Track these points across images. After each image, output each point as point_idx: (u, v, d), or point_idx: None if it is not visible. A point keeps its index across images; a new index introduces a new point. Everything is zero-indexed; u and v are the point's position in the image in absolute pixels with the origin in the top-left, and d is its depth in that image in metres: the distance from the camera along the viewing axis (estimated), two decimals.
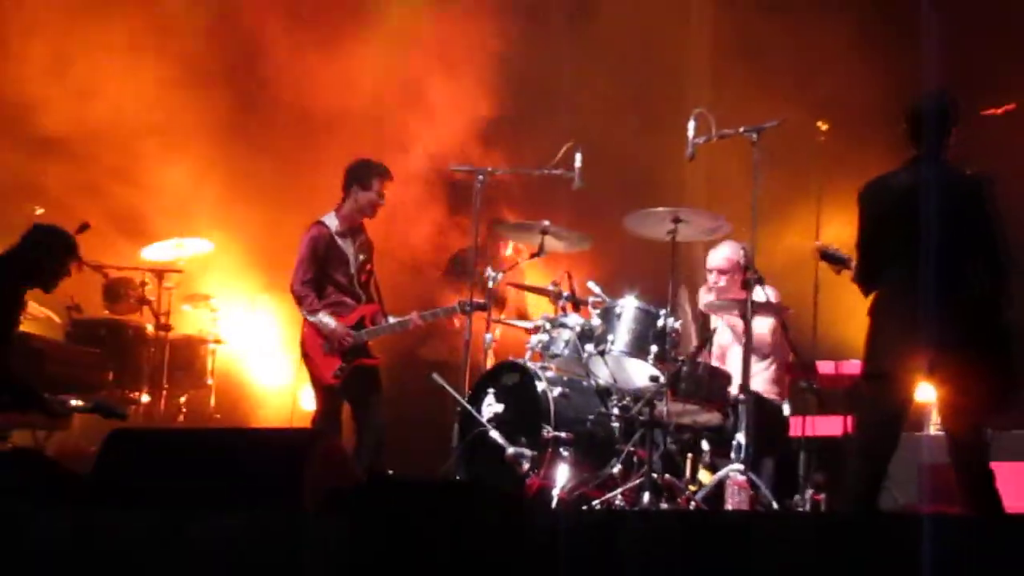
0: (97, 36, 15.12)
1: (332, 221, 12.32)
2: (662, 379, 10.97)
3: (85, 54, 15.10)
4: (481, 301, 11.96)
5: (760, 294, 11.16)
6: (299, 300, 12.21)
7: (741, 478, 10.56)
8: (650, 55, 15.13)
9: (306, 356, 12.23)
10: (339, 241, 12.30)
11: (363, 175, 12.31)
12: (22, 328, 12.63)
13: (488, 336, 11.98)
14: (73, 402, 11.64)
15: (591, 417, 11.25)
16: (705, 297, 11.99)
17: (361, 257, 12.40)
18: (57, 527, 8.04)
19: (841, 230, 9.54)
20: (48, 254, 10.90)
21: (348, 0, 15.72)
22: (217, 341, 14.40)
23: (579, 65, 15.24)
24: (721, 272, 11.94)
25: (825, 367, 11.47)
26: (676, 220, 11.19)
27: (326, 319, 12.05)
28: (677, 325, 11.30)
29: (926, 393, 8.95)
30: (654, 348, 11.16)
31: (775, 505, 10.56)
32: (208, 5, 15.69)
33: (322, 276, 12.23)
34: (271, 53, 15.75)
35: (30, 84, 14.96)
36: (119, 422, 12.45)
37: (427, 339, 14.29)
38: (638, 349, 11.20)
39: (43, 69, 15.04)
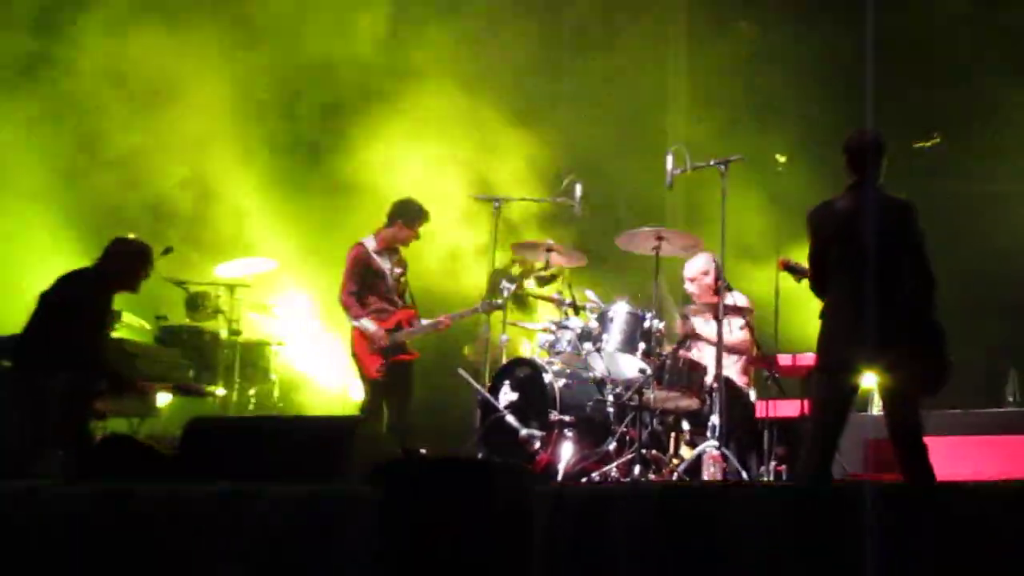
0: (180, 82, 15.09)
1: (371, 242, 12.38)
2: (649, 371, 10.94)
3: (169, 100, 15.06)
4: (498, 302, 11.97)
5: (731, 299, 11.13)
6: (345, 309, 12.30)
7: (716, 453, 10.52)
8: (634, 100, 15.07)
9: (354, 355, 12.29)
10: (377, 258, 12.35)
11: (410, 215, 12.42)
12: (120, 334, 12.66)
13: (503, 337, 11.95)
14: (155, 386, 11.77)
15: (590, 403, 11.20)
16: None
17: (397, 271, 12.45)
18: (149, 498, 8.04)
19: (798, 243, 9.48)
20: (130, 261, 10.91)
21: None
22: (279, 343, 14.38)
23: (578, 108, 15.19)
24: (692, 280, 11.94)
25: (784, 359, 11.39)
26: (659, 238, 11.19)
27: (368, 324, 12.09)
28: (660, 326, 11.29)
29: (869, 380, 8.88)
30: (642, 345, 11.14)
31: (744, 475, 10.51)
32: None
33: (364, 288, 12.29)
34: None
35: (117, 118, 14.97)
36: (199, 404, 12.55)
37: (470, 342, 14.19)
38: (628, 346, 11.18)
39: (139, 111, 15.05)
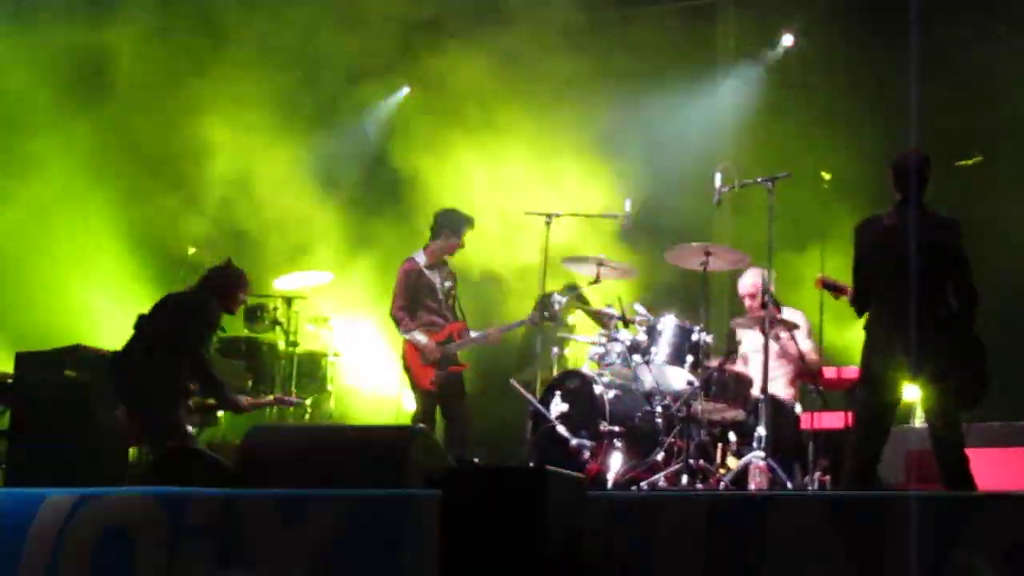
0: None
1: (421, 257, 12.48)
2: (696, 383, 11.00)
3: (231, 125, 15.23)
4: (548, 314, 12.03)
5: (787, 314, 11.22)
6: (397, 322, 12.39)
7: (761, 463, 10.58)
8: (681, 119, 15.13)
9: (407, 367, 12.35)
10: (427, 273, 12.42)
11: (455, 224, 12.47)
12: None
13: (555, 349, 12.05)
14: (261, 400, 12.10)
15: (639, 414, 11.26)
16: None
17: (447, 284, 12.54)
18: (209, 505, 8.12)
19: (842, 261, 9.53)
20: (229, 284, 11.06)
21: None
22: (335, 355, 14.48)
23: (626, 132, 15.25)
24: (751, 296, 12.00)
25: (829, 372, 11.45)
26: (707, 253, 11.25)
27: (420, 336, 12.19)
28: (709, 339, 11.35)
29: (912, 393, 8.94)
30: (689, 358, 11.20)
31: (789, 485, 10.57)
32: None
33: (415, 302, 12.37)
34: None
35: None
36: (257, 413, 12.67)
37: (523, 365, 14.27)
38: (676, 359, 11.24)
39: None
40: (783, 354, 11.70)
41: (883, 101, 13.15)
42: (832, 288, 9.79)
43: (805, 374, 11.50)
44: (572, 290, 12.28)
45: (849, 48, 14.24)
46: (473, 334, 12.53)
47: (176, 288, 12.76)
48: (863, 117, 13.62)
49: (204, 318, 10.81)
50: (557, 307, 11.99)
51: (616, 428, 11.06)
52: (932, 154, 9.02)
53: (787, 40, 15.42)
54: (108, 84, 15.15)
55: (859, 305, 8.93)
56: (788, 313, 11.54)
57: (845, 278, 9.27)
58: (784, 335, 11.48)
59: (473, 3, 15.42)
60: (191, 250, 14.35)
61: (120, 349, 10.94)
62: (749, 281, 12.02)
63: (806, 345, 11.58)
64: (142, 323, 10.93)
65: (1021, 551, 6.62)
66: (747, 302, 12.10)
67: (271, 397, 12.22)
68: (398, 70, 16.28)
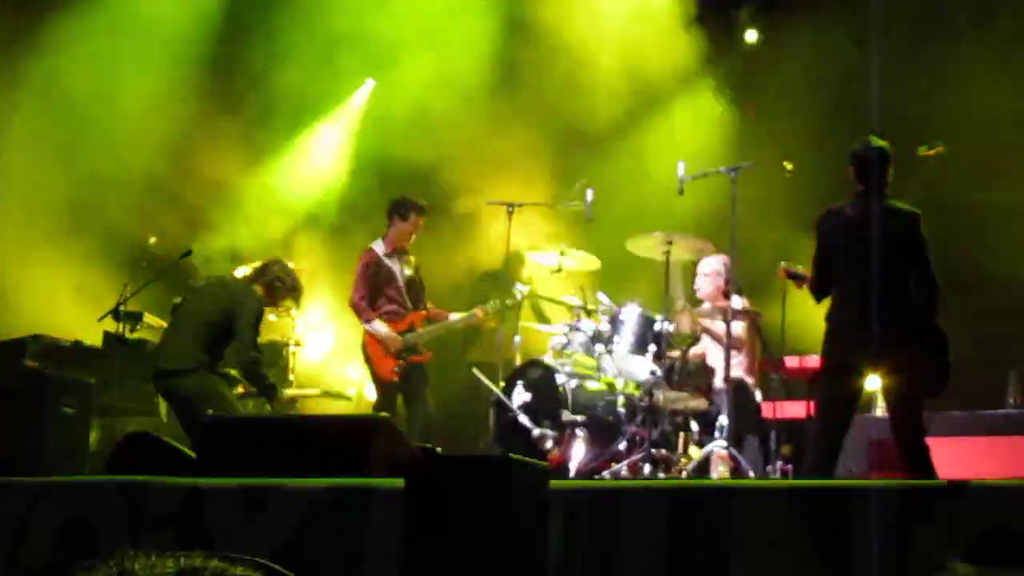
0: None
1: (380, 247, 12.45)
2: (659, 373, 11.02)
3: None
4: (509, 304, 12.05)
5: (737, 302, 11.21)
6: (357, 312, 12.36)
7: (724, 452, 10.62)
8: (648, 108, 15.13)
9: (367, 357, 12.32)
10: (387, 262, 12.40)
11: (402, 208, 12.46)
12: (140, 335, 12.76)
13: (517, 338, 12.05)
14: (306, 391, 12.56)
15: (601, 404, 11.28)
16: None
17: (408, 272, 12.50)
18: (170, 494, 8.10)
19: (803, 250, 9.56)
20: (284, 278, 11.31)
21: None
22: (297, 344, 14.44)
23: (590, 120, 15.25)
24: (705, 275, 11.98)
25: (791, 361, 11.48)
26: (669, 242, 11.27)
27: (380, 327, 12.16)
28: (671, 328, 11.36)
29: (874, 382, 8.97)
30: (652, 347, 11.22)
31: (751, 474, 10.60)
32: None
33: (375, 292, 12.34)
34: None
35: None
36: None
37: (472, 341, 14.30)
38: (639, 348, 11.26)
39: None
40: (739, 343, 11.71)
41: (847, 91, 13.17)
42: (795, 277, 9.81)
43: (766, 363, 11.52)
44: (498, 307, 12.23)
45: (813, 38, 14.25)
46: (436, 323, 12.49)
47: (137, 280, 12.76)
48: (827, 107, 13.64)
49: (248, 307, 10.92)
50: (519, 296, 12.00)
51: (578, 418, 11.07)
52: (894, 143, 9.05)
53: (751, 35, 15.45)
54: (57, 71, 15.03)
55: (818, 293, 8.96)
56: (744, 302, 11.57)
57: (806, 267, 9.29)
58: (743, 324, 11.51)
59: None
60: (151, 240, 14.29)
61: (164, 331, 11.32)
62: (711, 264, 12.00)
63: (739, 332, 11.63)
64: (180, 309, 11.21)
65: (983, 540, 6.65)
66: (699, 281, 12.03)
67: (317, 390, 12.22)
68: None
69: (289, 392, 12.11)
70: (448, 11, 15.03)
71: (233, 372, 11.24)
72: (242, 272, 11.61)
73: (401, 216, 12.45)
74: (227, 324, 10.88)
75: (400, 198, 12.63)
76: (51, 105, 14.79)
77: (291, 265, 11.78)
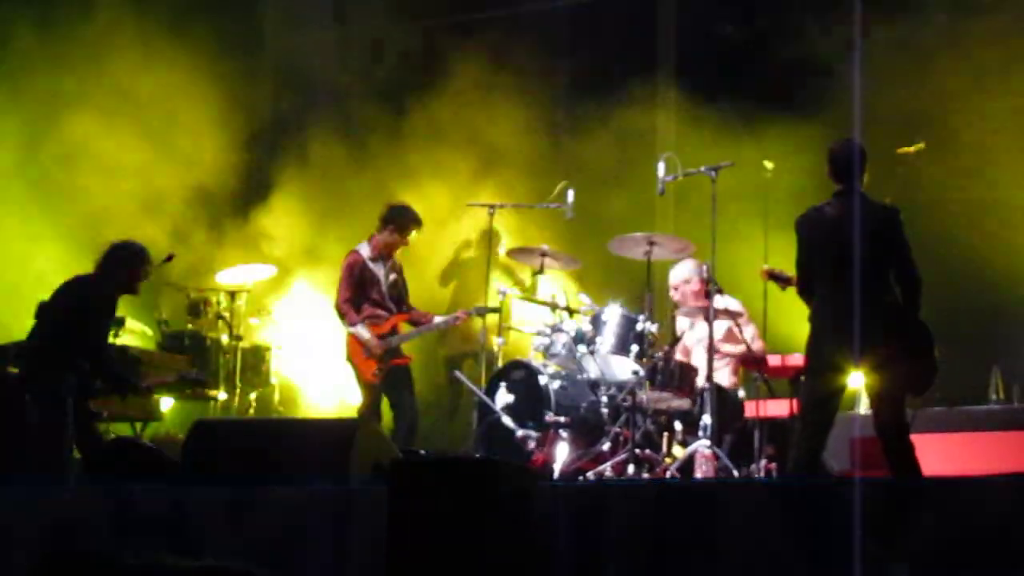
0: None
1: (365, 249, 12.36)
2: (642, 373, 11.02)
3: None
4: (495, 306, 12.03)
5: (720, 302, 11.20)
6: (341, 315, 12.29)
7: (707, 452, 10.61)
8: (624, 109, 15.13)
9: (350, 360, 12.28)
10: (371, 265, 12.32)
11: (402, 221, 12.34)
12: (124, 340, 12.71)
13: (499, 340, 12.03)
14: (160, 379, 11.79)
15: (584, 405, 11.27)
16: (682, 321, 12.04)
17: (392, 276, 12.44)
18: (155, 499, 8.10)
19: (785, 249, 9.56)
20: (128, 264, 10.90)
21: None
22: (279, 347, 14.43)
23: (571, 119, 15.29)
24: (675, 288, 11.96)
25: (774, 360, 11.48)
26: (651, 243, 11.28)
27: (363, 331, 12.10)
28: (653, 328, 11.35)
29: (857, 380, 8.97)
30: (635, 348, 11.19)
31: (735, 473, 10.60)
32: None
33: (359, 295, 12.26)
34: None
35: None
36: (202, 408, 12.57)
37: (446, 339, 14.31)
38: (621, 348, 11.23)
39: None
40: (725, 342, 11.70)
41: (826, 89, 13.18)
42: (777, 279, 9.80)
43: (749, 362, 11.52)
44: (481, 310, 12.22)
45: (793, 37, 14.27)
46: (420, 326, 12.47)
47: None
48: (806, 106, 13.64)
49: (102, 301, 10.70)
50: (501, 297, 11.99)
51: (562, 419, 11.06)
52: (875, 142, 9.07)
53: (726, 30, 15.47)
54: (30, 76, 15.00)
55: (806, 297, 8.96)
56: (726, 301, 11.56)
57: (788, 267, 9.29)
58: (727, 324, 11.50)
59: None
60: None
61: (24, 338, 10.96)
62: (680, 274, 11.96)
63: (749, 332, 11.59)
64: (45, 310, 10.88)
65: (967, 536, 6.66)
66: (673, 294, 12.04)
67: (173, 375, 11.95)
68: None
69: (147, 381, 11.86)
70: None
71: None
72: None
73: (399, 228, 12.34)
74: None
75: (403, 208, 12.53)
76: (29, 109, 14.78)
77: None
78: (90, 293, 10.74)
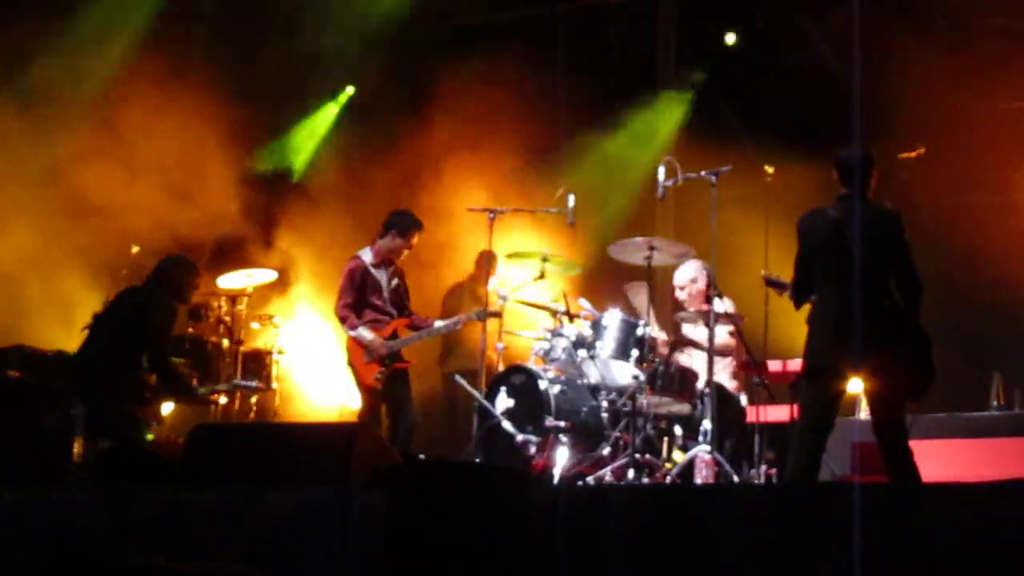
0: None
1: (367, 255, 12.35)
2: (642, 377, 11.00)
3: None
4: (494, 310, 12.02)
5: (720, 306, 11.19)
6: (341, 320, 12.27)
7: (707, 457, 10.61)
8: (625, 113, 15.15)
9: (350, 364, 12.26)
10: (373, 271, 12.30)
11: (404, 226, 12.34)
12: None
13: (500, 344, 12.02)
14: (219, 387, 12.39)
15: (584, 409, 11.26)
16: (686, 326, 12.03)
17: (394, 282, 12.43)
18: (154, 503, 8.08)
19: (785, 253, 9.55)
20: (184, 275, 11.08)
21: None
22: (280, 352, 14.40)
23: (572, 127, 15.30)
24: (681, 288, 11.98)
25: (774, 365, 11.47)
26: (651, 248, 11.26)
27: (366, 333, 12.08)
28: (654, 333, 11.34)
29: (856, 385, 8.95)
30: (635, 352, 11.19)
31: (735, 478, 10.59)
32: None
33: (360, 300, 12.25)
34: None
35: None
36: (202, 412, 12.58)
37: (453, 350, 14.27)
38: (622, 353, 11.23)
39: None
40: (724, 347, 11.70)
41: (825, 93, 13.18)
42: (775, 285, 9.80)
43: (749, 367, 11.51)
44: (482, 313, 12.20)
45: (794, 44, 14.28)
46: (419, 330, 12.45)
47: (119, 287, 12.71)
48: (806, 110, 13.65)
49: (161, 312, 10.82)
50: (501, 302, 11.98)
51: (562, 423, 11.04)
52: (876, 146, 9.06)
53: (730, 38, 15.47)
54: (35, 78, 15.01)
55: (798, 297, 8.95)
56: (726, 305, 11.56)
57: (789, 272, 9.27)
58: (725, 327, 11.50)
59: None
60: (134, 248, 14.23)
61: (79, 348, 11.07)
62: (687, 274, 11.99)
63: (727, 338, 11.61)
64: (99, 321, 10.95)
65: (965, 541, 6.64)
66: (679, 294, 12.05)
67: (229, 384, 12.10)
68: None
69: (203, 389, 12.00)
70: None
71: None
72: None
73: (400, 233, 12.33)
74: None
75: (404, 214, 12.52)
76: (31, 111, 14.78)
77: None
78: (147, 303, 10.94)
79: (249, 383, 12.44)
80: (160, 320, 10.95)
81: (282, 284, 15.18)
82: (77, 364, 11.13)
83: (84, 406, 10.57)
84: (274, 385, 14.18)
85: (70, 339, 12.60)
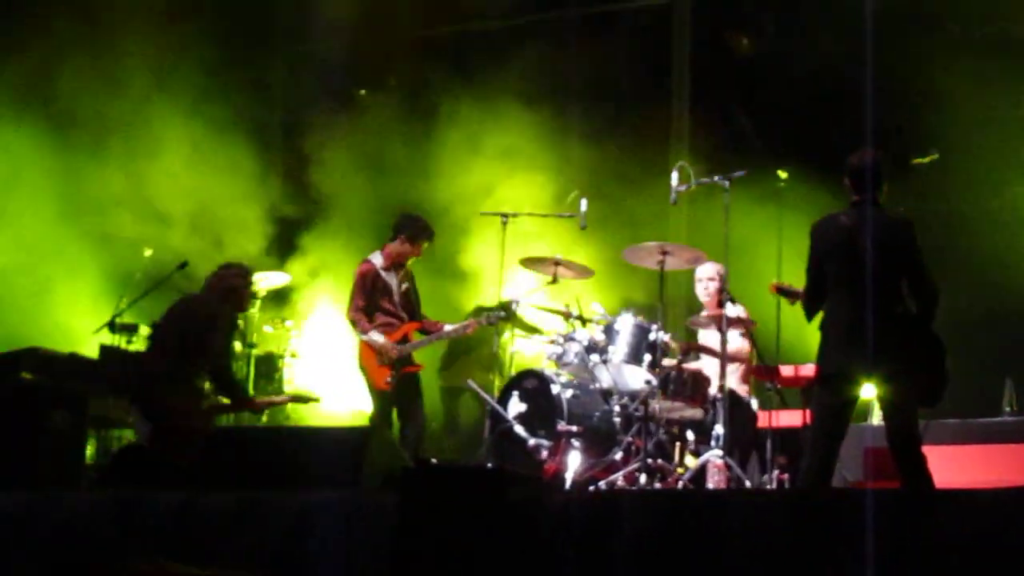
0: None
1: (378, 259, 12.35)
2: (654, 382, 10.99)
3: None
4: (503, 313, 12.01)
5: (732, 311, 11.17)
6: (353, 324, 12.27)
7: (719, 462, 10.59)
8: (640, 120, 15.12)
9: (362, 368, 12.25)
10: (384, 275, 12.30)
11: (414, 231, 12.33)
12: (136, 347, 12.73)
13: (512, 349, 12.02)
14: (275, 398, 12.23)
15: (597, 414, 11.25)
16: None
17: (404, 286, 12.42)
18: (167, 504, 8.08)
19: (798, 258, 9.52)
20: (241, 282, 11.06)
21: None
22: (293, 355, 14.41)
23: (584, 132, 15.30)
24: (711, 280, 11.92)
25: (786, 370, 11.44)
26: (664, 252, 11.24)
27: (377, 337, 12.07)
28: (666, 338, 11.33)
29: (869, 391, 8.93)
30: (647, 357, 11.17)
31: (747, 483, 10.56)
32: None
33: (371, 304, 12.25)
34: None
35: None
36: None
37: (468, 354, 14.27)
38: (634, 358, 11.22)
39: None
40: (736, 353, 11.67)
41: (839, 99, 13.15)
42: (786, 294, 9.78)
43: (761, 372, 11.49)
44: (500, 313, 12.18)
45: (809, 48, 14.25)
46: (429, 334, 12.44)
47: (133, 292, 12.76)
48: (819, 115, 13.62)
49: (220, 322, 10.79)
50: (514, 307, 11.98)
51: (574, 428, 11.03)
52: (888, 152, 9.03)
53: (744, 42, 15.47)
54: (52, 86, 15.05)
55: (809, 306, 8.92)
56: (738, 310, 11.54)
57: (801, 278, 9.24)
58: (737, 331, 11.48)
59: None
60: (147, 252, 14.25)
61: (139, 357, 11.33)
62: (707, 270, 11.97)
63: (739, 343, 11.59)
64: (158, 330, 11.03)
65: (978, 548, 6.62)
66: (698, 287, 12.00)
67: (285, 395, 12.07)
68: None
69: (261, 399, 12.01)
70: None
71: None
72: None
73: (409, 238, 12.33)
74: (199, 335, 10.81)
75: (415, 219, 12.52)
76: (50, 115, 14.84)
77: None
78: (203, 311, 10.89)
79: (310, 396, 12.35)
80: (218, 329, 10.86)
81: (295, 288, 15.19)
82: (135, 373, 11.11)
83: (144, 418, 10.54)
84: (286, 389, 14.19)
85: (83, 341, 12.66)
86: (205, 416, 10.81)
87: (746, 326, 11.30)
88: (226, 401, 11.12)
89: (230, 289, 11.02)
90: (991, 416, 11.62)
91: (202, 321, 10.73)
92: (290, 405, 14.27)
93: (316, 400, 12.37)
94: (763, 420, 11.17)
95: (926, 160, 11.01)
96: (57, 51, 14.93)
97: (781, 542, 6.92)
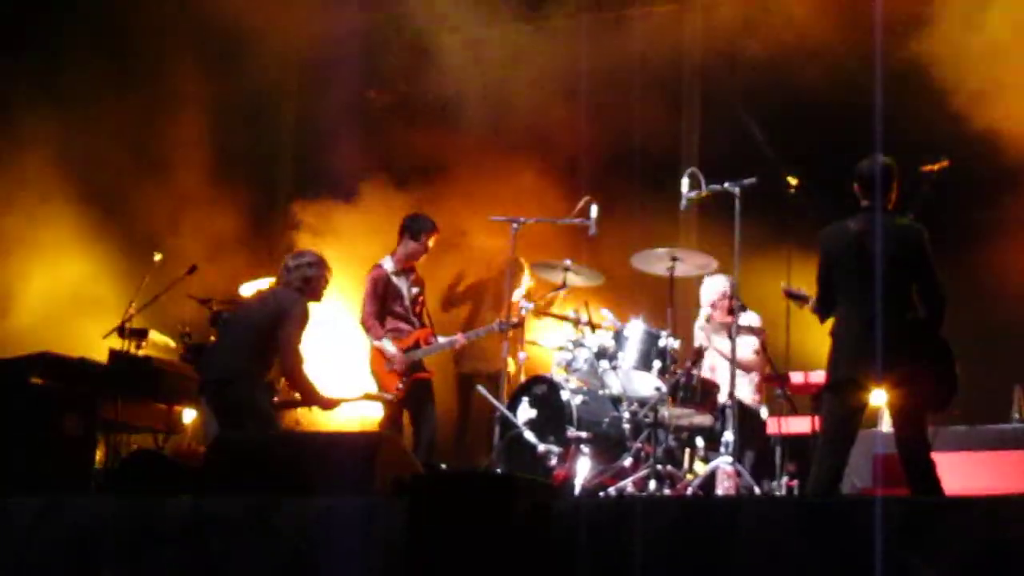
0: None
1: (389, 263, 12.41)
2: (664, 389, 11.01)
3: None
4: (516, 320, 12.03)
5: (744, 319, 11.20)
6: (366, 330, 12.32)
7: (729, 468, 10.60)
8: (649, 126, 15.12)
9: (373, 373, 12.30)
10: (395, 279, 12.35)
11: (416, 227, 12.41)
12: (145, 352, 12.74)
13: (522, 355, 12.05)
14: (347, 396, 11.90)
15: (606, 420, 11.27)
16: (699, 334, 12.03)
17: (415, 291, 12.47)
18: (176, 511, 8.10)
19: (808, 265, 9.55)
20: (315, 272, 10.95)
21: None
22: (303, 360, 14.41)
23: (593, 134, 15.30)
24: (712, 305, 11.98)
25: (796, 377, 11.46)
26: (673, 258, 11.28)
27: (388, 346, 12.13)
28: (676, 344, 11.34)
29: (879, 397, 8.95)
30: (657, 363, 11.19)
31: (757, 490, 10.58)
32: None
33: (383, 309, 12.30)
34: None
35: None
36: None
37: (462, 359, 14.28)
38: (644, 364, 11.23)
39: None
40: (749, 364, 11.70)
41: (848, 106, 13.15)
42: (796, 298, 9.80)
43: (772, 379, 11.52)
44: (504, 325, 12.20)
45: (815, 55, 14.25)
46: (440, 340, 12.46)
47: (142, 297, 12.80)
48: (828, 122, 13.62)
49: (293, 315, 10.69)
50: (524, 312, 12.01)
51: (583, 434, 11.05)
52: (898, 159, 9.06)
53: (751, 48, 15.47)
54: (64, 90, 15.10)
55: (822, 308, 8.96)
56: (749, 318, 11.56)
57: (810, 283, 9.28)
58: (750, 341, 11.50)
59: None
60: (157, 256, 14.27)
61: (206, 352, 11.46)
62: (717, 288, 12.01)
63: (752, 356, 11.62)
64: (232, 326, 11.10)
65: (988, 555, 6.64)
66: (708, 311, 12.07)
67: (361, 394, 12.02)
68: None
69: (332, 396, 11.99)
70: None
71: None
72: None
73: (413, 236, 12.40)
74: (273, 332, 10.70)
75: (413, 215, 12.60)
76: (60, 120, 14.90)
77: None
78: (277, 304, 10.80)
79: (382, 396, 12.29)
80: (295, 324, 10.75)
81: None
82: (205, 368, 11.09)
83: (215, 413, 10.52)
84: (296, 394, 14.19)
85: (92, 346, 12.70)
86: (276, 412, 10.81)
87: (758, 335, 11.31)
88: (297, 397, 11.06)
89: (304, 280, 10.93)
90: (1000, 423, 11.62)
91: (277, 315, 10.68)
92: (300, 410, 14.31)
93: (389, 400, 12.30)
94: (773, 427, 11.18)
95: (936, 167, 10.98)
96: None
97: (790, 549, 6.94)
